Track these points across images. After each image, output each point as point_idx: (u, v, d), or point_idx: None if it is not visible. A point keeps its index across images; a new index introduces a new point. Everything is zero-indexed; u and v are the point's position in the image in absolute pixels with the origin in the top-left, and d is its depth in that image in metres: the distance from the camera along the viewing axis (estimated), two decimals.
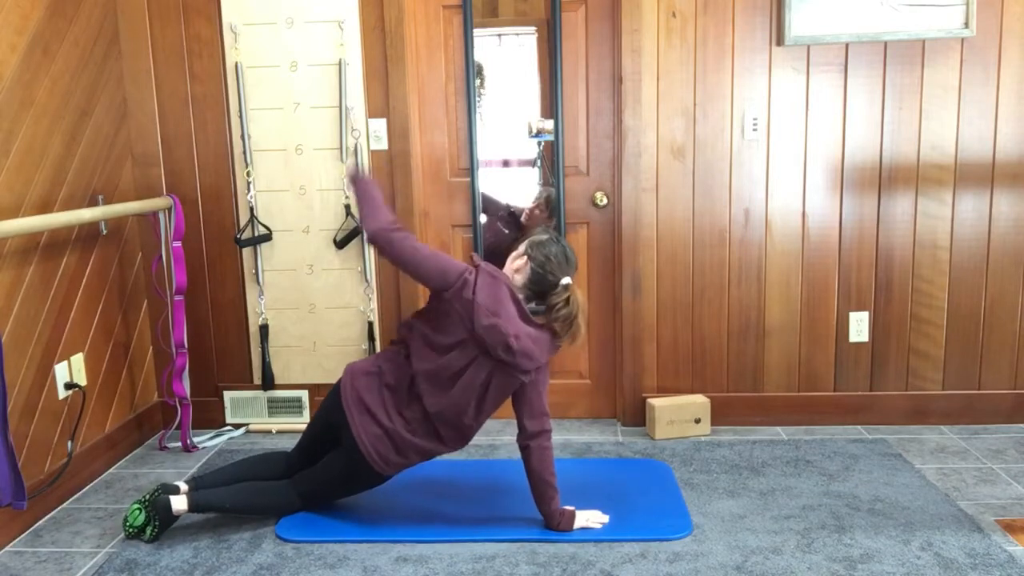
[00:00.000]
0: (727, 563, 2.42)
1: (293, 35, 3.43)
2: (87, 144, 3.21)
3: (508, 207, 3.68)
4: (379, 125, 3.45)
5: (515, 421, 2.66)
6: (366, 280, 3.57)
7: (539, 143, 3.59)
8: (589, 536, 2.59)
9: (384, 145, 3.46)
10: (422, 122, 3.55)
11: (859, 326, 3.49)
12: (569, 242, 2.73)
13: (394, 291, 3.58)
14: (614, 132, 3.50)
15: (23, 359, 2.81)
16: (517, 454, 2.72)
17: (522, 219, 3.65)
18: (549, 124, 3.52)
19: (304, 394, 3.67)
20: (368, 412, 2.59)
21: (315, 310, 3.61)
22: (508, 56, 3.59)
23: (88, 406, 3.17)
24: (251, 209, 3.54)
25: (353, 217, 3.51)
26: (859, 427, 3.53)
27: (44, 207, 2.93)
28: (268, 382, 3.63)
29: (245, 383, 3.70)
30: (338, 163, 3.49)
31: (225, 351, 3.69)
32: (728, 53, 3.37)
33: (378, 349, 3.57)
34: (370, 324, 3.59)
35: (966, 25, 3.24)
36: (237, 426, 3.70)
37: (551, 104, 3.49)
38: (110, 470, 3.30)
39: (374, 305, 3.59)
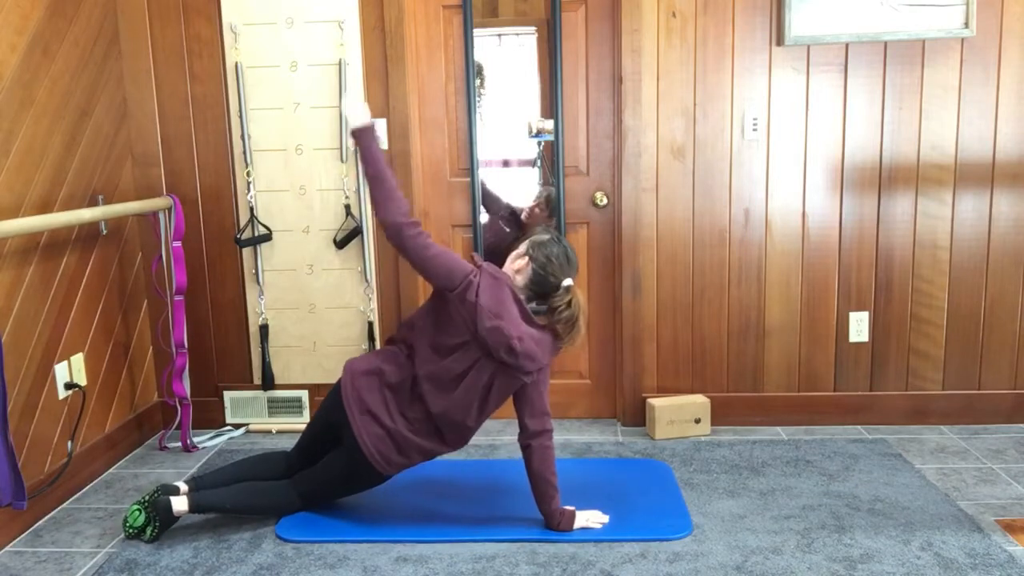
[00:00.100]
0: (727, 563, 2.42)
1: (293, 35, 3.43)
2: (87, 144, 3.21)
3: (509, 206, 3.68)
4: (379, 125, 3.45)
5: (515, 421, 2.66)
6: (366, 280, 3.57)
7: (539, 143, 3.59)
8: (589, 536, 2.59)
9: (384, 145, 3.46)
10: (422, 122, 3.55)
11: (859, 326, 3.49)
12: (569, 242, 2.73)
13: (394, 291, 3.58)
14: (614, 132, 3.50)
15: (23, 359, 2.81)
16: (517, 454, 2.72)
17: (523, 217, 3.65)
18: (549, 124, 3.52)
19: (304, 394, 3.67)
20: (369, 412, 2.59)
21: (315, 310, 3.61)
22: (508, 56, 3.59)
23: (88, 406, 3.17)
24: (251, 209, 3.54)
25: (353, 217, 3.51)
26: (859, 427, 3.53)
27: (44, 207, 2.93)
28: (268, 382, 3.63)
29: (245, 383, 3.70)
30: (338, 163, 3.49)
31: (225, 351, 3.69)
32: (728, 53, 3.37)
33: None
34: (370, 324, 3.59)
35: (966, 25, 3.24)
36: (237, 426, 3.70)
37: (551, 104, 3.49)
38: (110, 470, 3.30)
39: (374, 305, 3.59)
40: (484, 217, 3.62)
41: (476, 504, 2.85)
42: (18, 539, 2.73)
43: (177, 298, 3.43)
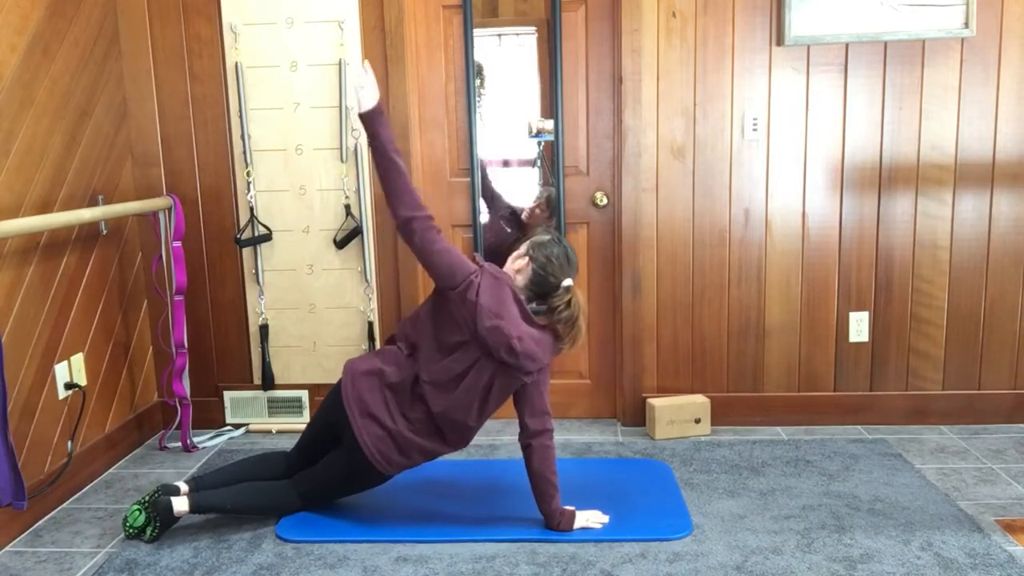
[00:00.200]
0: (727, 563, 2.42)
1: (293, 35, 3.42)
2: (87, 144, 3.21)
3: (510, 206, 3.68)
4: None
5: (515, 421, 2.66)
6: (366, 280, 3.57)
7: (539, 143, 3.59)
8: (589, 536, 2.59)
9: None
10: (422, 122, 3.55)
11: (859, 326, 3.49)
12: (569, 242, 2.73)
13: (394, 291, 3.58)
14: (614, 132, 3.50)
15: (23, 359, 2.81)
16: (517, 454, 2.72)
17: (523, 217, 3.65)
18: (549, 124, 3.52)
19: (304, 394, 3.67)
20: (369, 413, 2.59)
21: (315, 310, 3.61)
22: (508, 56, 3.59)
23: (88, 406, 3.17)
24: (251, 209, 3.54)
25: (353, 217, 3.51)
26: (859, 427, 3.53)
27: (44, 207, 2.93)
28: (268, 382, 3.63)
29: (245, 383, 3.70)
30: (338, 163, 3.49)
31: (225, 351, 3.69)
32: (728, 53, 3.37)
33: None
34: (370, 324, 3.59)
35: (966, 25, 3.24)
36: (237, 426, 3.70)
37: (551, 104, 3.49)
38: (110, 470, 3.30)
39: (374, 305, 3.59)
40: (484, 217, 3.62)
41: (476, 504, 2.85)
42: (18, 539, 2.73)
43: (177, 298, 3.43)
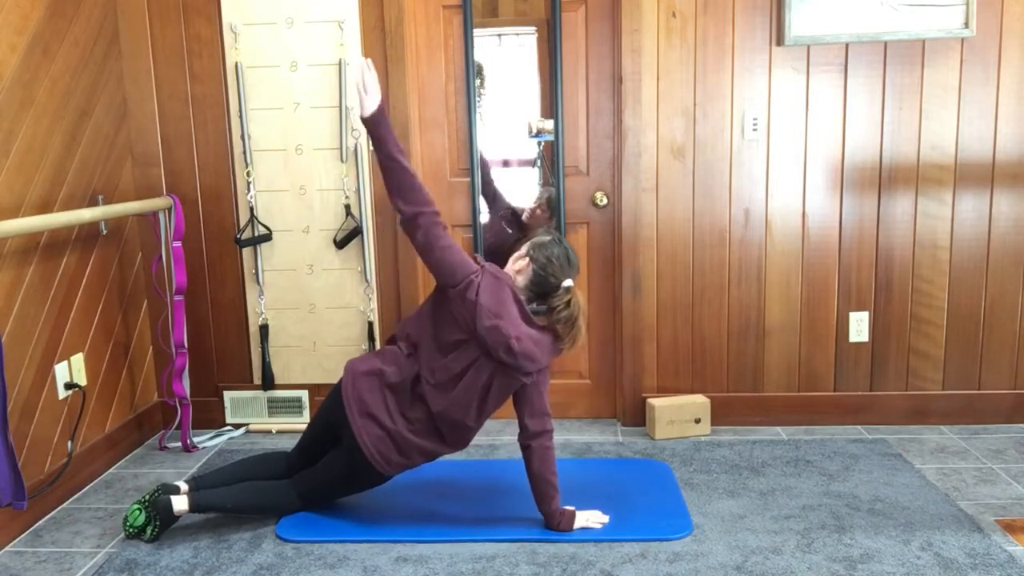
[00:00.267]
0: (727, 563, 2.42)
1: (293, 35, 3.43)
2: (87, 144, 3.21)
3: (510, 206, 3.68)
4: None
5: (515, 421, 2.66)
6: (366, 280, 3.57)
7: (539, 143, 3.59)
8: (589, 536, 2.59)
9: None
10: (422, 122, 3.55)
11: (859, 326, 3.49)
12: (569, 242, 2.73)
13: (394, 291, 3.58)
14: (614, 132, 3.50)
15: (23, 359, 2.81)
16: (517, 454, 2.72)
17: (524, 218, 3.65)
18: (549, 124, 3.52)
19: (304, 394, 3.67)
20: (369, 413, 2.59)
21: (315, 310, 3.61)
22: (508, 56, 3.59)
23: (88, 406, 3.17)
24: (251, 209, 3.54)
25: (353, 217, 3.51)
26: (859, 427, 3.53)
27: (44, 207, 2.93)
28: (268, 382, 3.63)
29: (245, 383, 3.70)
30: (338, 163, 3.49)
31: (225, 351, 3.69)
32: (728, 53, 3.37)
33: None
34: (370, 324, 3.59)
35: (966, 25, 3.24)
36: (237, 426, 3.70)
37: (551, 104, 3.49)
38: (110, 470, 3.30)
39: (374, 305, 3.59)
40: (485, 217, 3.62)
41: (476, 504, 2.85)
42: (18, 539, 2.73)
43: (177, 298, 3.43)
